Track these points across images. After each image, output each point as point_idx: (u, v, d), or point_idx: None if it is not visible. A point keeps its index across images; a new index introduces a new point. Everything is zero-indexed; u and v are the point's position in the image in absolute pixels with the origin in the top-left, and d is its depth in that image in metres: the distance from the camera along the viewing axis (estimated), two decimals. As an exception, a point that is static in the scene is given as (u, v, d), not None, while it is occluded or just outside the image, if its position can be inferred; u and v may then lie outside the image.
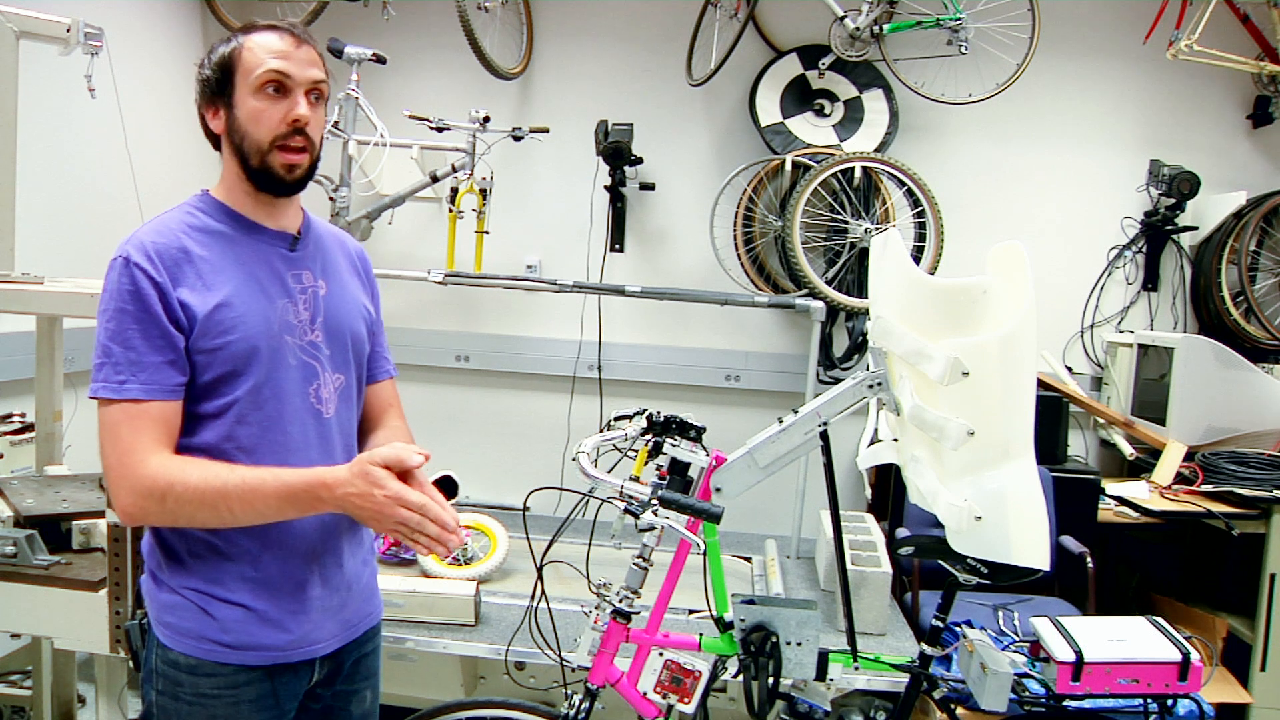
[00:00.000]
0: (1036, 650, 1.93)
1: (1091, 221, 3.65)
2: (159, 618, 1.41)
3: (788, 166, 3.44)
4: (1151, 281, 3.64)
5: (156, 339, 1.30)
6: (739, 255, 3.51)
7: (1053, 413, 3.17)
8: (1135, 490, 3.12)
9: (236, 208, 1.42)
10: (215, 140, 1.44)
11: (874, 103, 3.54)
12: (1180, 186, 3.44)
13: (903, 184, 3.34)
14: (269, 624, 1.40)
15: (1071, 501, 2.98)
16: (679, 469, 1.82)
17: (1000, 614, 2.71)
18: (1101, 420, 3.58)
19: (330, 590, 1.47)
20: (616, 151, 3.41)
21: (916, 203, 3.34)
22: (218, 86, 1.39)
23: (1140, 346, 3.46)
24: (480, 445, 3.84)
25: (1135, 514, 3.00)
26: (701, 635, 1.90)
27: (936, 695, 1.97)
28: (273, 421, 1.38)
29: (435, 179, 3.30)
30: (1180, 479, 3.15)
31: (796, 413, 1.82)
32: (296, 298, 1.44)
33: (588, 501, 1.82)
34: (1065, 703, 1.91)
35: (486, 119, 3.21)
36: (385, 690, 1.68)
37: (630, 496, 1.74)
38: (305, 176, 1.42)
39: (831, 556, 2.43)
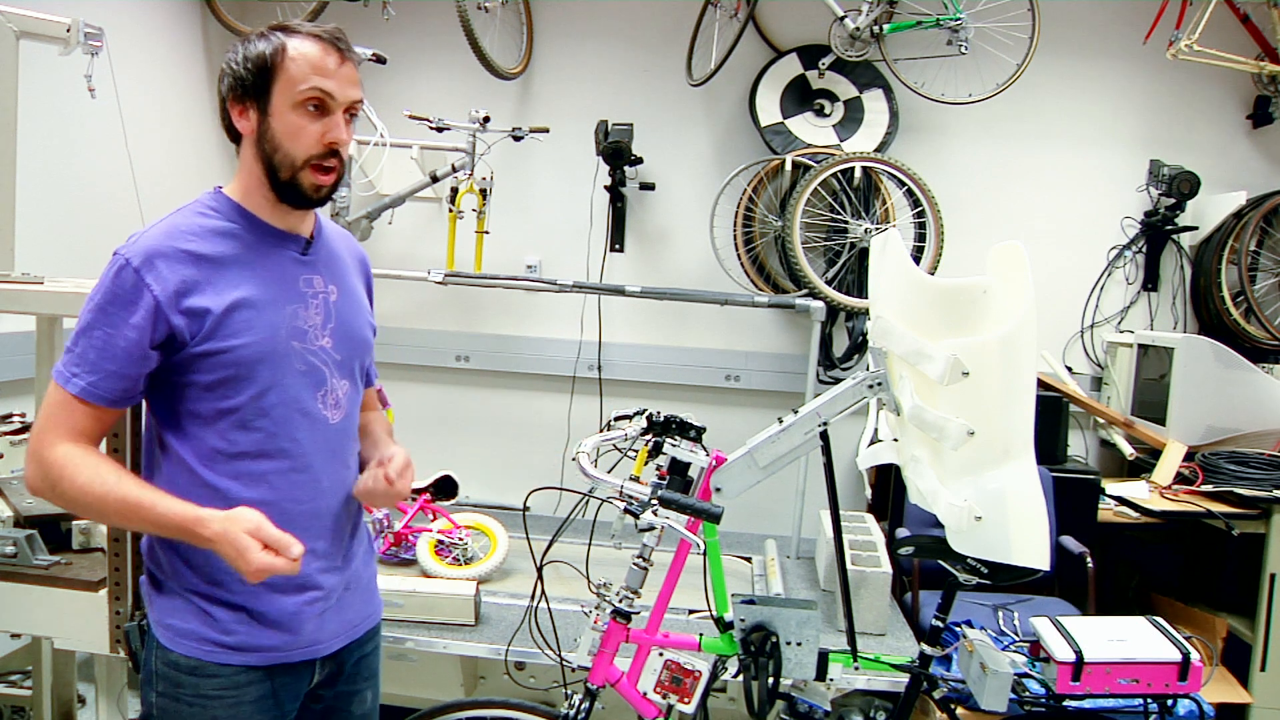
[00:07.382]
0: (1036, 650, 1.93)
1: (1091, 221, 3.64)
2: (159, 619, 1.40)
3: (788, 166, 3.43)
4: (1151, 281, 3.64)
5: (119, 349, 1.29)
6: (739, 255, 3.51)
7: (1053, 413, 3.16)
8: (1135, 490, 3.12)
9: (252, 209, 1.40)
10: (235, 135, 1.40)
11: (874, 103, 3.54)
12: (1180, 186, 3.44)
13: (903, 184, 3.34)
14: (270, 625, 1.40)
15: (1071, 501, 2.97)
16: (679, 469, 1.82)
17: (1000, 614, 2.71)
18: (1101, 420, 3.58)
19: (332, 590, 1.47)
20: (616, 151, 3.41)
21: (916, 203, 3.34)
22: (252, 86, 1.34)
23: (1140, 346, 3.46)
24: (480, 445, 3.83)
25: (1135, 514, 3.00)
26: (701, 635, 1.90)
27: (936, 695, 1.97)
28: (279, 428, 1.37)
29: (435, 179, 3.30)
30: (1180, 479, 3.15)
31: (796, 413, 1.82)
32: (308, 302, 1.42)
33: (588, 501, 1.82)
34: (1065, 703, 1.91)
35: (486, 119, 3.21)
36: (385, 690, 1.68)
37: (630, 496, 1.74)
38: (329, 194, 1.41)
39: (831, 556, 2.43)
